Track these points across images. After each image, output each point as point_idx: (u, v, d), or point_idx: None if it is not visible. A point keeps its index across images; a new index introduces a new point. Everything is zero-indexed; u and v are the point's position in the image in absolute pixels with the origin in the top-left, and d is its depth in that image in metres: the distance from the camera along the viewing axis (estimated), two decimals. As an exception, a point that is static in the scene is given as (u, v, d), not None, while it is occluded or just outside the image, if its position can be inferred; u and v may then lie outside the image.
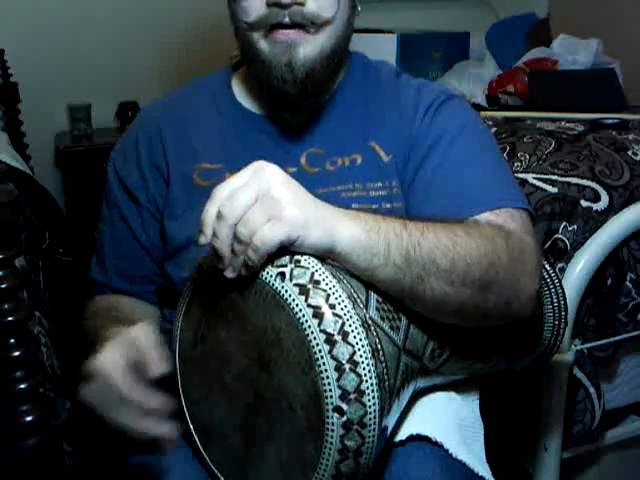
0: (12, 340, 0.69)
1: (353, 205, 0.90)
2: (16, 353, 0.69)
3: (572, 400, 1.29)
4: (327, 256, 0.69)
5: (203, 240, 0.68)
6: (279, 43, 0.87)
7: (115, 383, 0.69)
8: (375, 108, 0.97)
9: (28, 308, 0.71)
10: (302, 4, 0.86)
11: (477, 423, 0.90)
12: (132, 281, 1.01)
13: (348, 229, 0.69)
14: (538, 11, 2.44)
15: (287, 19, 0.86)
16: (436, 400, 0.86)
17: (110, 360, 0.70)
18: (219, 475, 0.79)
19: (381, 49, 1.98)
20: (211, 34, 2.44)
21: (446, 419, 0.84)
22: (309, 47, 0.87)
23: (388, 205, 0.92)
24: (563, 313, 0.96)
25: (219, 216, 0.66)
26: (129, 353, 0.71)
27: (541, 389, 1.29)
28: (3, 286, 0.68)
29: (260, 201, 0.66)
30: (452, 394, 0.89)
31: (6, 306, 0.68)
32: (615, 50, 2.06)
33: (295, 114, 0.95)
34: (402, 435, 0.79)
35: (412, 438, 0.79)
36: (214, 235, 0.66)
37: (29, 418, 0.69)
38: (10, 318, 0.68)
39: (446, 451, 0.79)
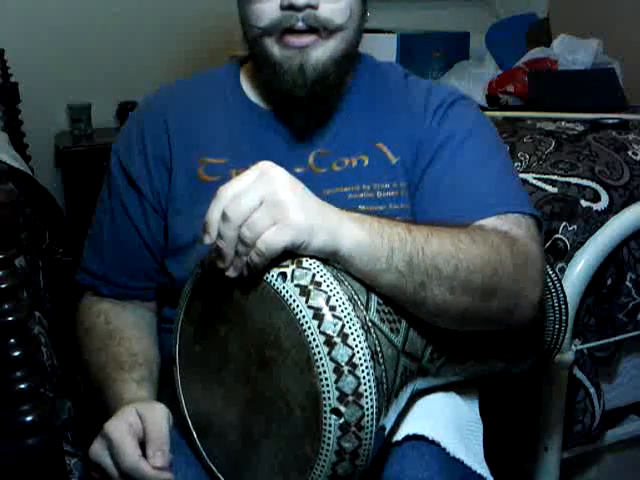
0: (12, 340, 0.69)
1: (360, 206, 0.90)
2: (16, 353, 0.69)
3: (572, 400, 1.29)
4: (330, 258, 0.69)
5: (208, 240, 0.68)
6: (291, 47, 0.87)
7: (121, 455, 0.76)
8: (383, 109, 0.96)
9: (28, 308, 0.71)
10: (316, 7, 0.86)
11: (476, 422, 0.90)
12: (130, 275, 0.99)
13: (352, 233, 0.69)
14: (538, 11, 2.44)
15: (301, 23, 0.86)
16: (434, 400, 0.86)
17: (121, 432, 0.77)
18: (216, 472, 0.79)
19: (381, 49, 1.98)
20: (211, 34, 2.44)
21: (444, 418, 0.84)
22: (321, 51, 0.87)
23: (396, 206, 0.92)
24: (564, 317, 0.96)
25: (224, 217, 0.66)
26: (139, 433, 0.78)
27: (541, 389, 1.29)
28: (3, 286, 0.68)
29: (265, 204, 0.66)
30: (451, 394, 0.89)
31: (6, 306, 0.68)
32: (615, 50, 2.06)
33: (304, 115, 0.95)
34: (400, 435, 0.79)
35: (409, 438, 0.79)
36: (218, 236, 0.67)
37: (29, 418, 0.69)
38: (10, 318, 0.68)
39: (443, 449, 0.79)
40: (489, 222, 0.83)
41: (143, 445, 0.78)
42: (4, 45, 2.27)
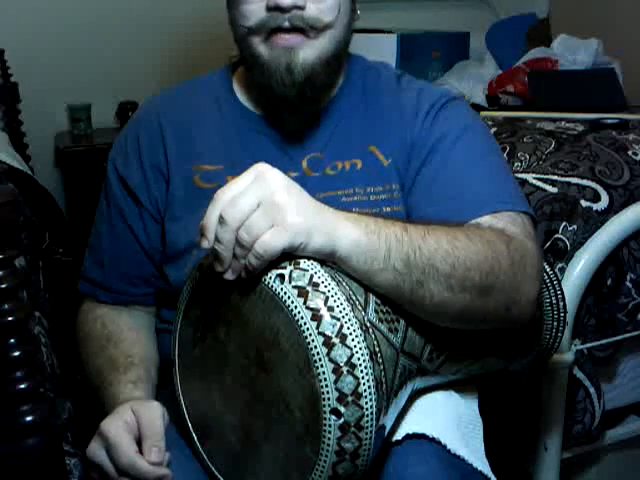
0: (12, 340, 0.69)
1: (353, 209, 0.89)
2: (16, 353, 0.69)
3: (572, 400, 1.29)
4: (328, 259, 0.69)
5: (205, 244, 0.68)
6: (279, 47, 0.87)
7: (117, 452, 0.76)
8: (375, 111, 0.96)
9: (28, 308, 0.71)
10: (302, 8, 0.85)
11: (476, 421, 0.90)
12: (130, 282, 1.00)
13: (349, 233, 0.69)
14: (538, 11, 2.44)
15: (287, 23, 0.85)
16: (434, 398, 0.86)
17: (116, 430, 0.78)
18: (217, 474, 0.79)
19: (381, 49, 1.98)
20: (211, 34, 2.44)
21: (444, 416, 0.84)
22: (309, 51, 0.87)
23: (388, 209, 0.92)
24: (562, 315, 0.96)
25: (221, 220, 0.66)
26: (134, 430, 0.79)
27: (541, 389, 1.29)
28: (3, 286, 0.68)
29: (262, 207, 0.66)
30: (451, 392, 0.89)
31: (6, 306, 0.68)
32: (615, 50, 2.06)
33: (294, 118, 0.95)
34: (400, 434, 0.79)
35: (409, 436, 0.79)
36: (216, 239, 0.67)
37: (29, 418, 0.69)
38: (10, 318, 0.68)
39: (444, 447, 0.79)
40: (484, 220, 0.83)
41: (140, 443, 0.78)
42: (4, 45, 2.27)
